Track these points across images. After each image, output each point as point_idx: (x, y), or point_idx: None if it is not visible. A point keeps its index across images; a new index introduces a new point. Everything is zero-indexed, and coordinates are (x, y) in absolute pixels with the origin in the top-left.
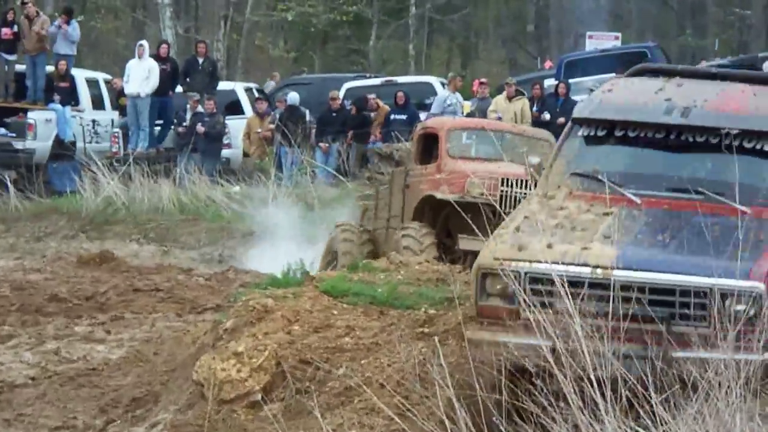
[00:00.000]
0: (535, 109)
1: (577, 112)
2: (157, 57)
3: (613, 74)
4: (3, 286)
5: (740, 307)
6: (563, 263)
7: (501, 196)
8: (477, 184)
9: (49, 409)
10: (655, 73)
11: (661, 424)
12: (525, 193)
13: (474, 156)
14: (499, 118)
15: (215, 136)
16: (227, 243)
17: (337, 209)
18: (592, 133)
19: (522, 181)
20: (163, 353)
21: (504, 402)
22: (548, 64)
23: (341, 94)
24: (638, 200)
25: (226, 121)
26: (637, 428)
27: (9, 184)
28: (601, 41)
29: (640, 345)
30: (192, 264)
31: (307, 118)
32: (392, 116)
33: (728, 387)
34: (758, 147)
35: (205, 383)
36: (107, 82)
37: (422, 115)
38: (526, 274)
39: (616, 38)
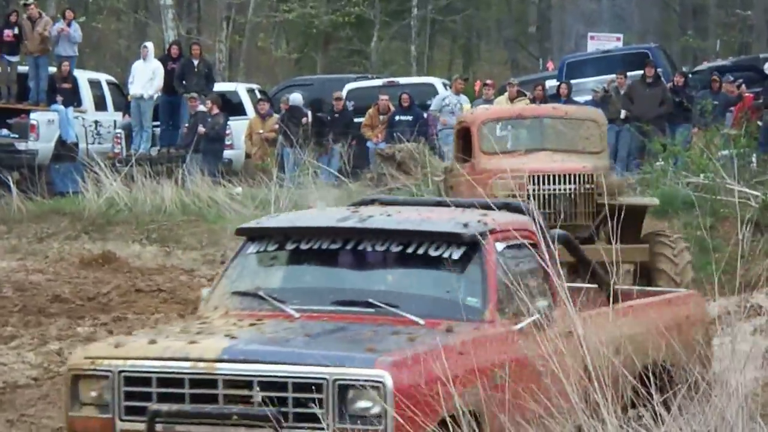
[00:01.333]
0: None
1: (245, 224)
2: (168, 57)
3: (614, 75)
4: (5, 286)
5: (364, 404)
6: (163, 359)
7: (529, 195)
8: (502, 184)
9: (51, 410)
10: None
11: (663, 424)
12: (556, 190)
13: (510, 148)
14: None
15: (215, 137)
16: (229, 244)
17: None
18: (262, 249)
19: (552, 176)
20: None
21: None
22: (550, 65)
23: (344, 95)
24: (297, 315)
25: (228, 122)
26: (638, 428)
27: (11, 185)
28: (603, 42)
29: None
30: (194, 265)
31: (309, 119)
32: (397, 117)
33: (730, 387)
34: (444, 255)
35: None
36: (109, 83)
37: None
38: (120, 373)
39: (618, 39)
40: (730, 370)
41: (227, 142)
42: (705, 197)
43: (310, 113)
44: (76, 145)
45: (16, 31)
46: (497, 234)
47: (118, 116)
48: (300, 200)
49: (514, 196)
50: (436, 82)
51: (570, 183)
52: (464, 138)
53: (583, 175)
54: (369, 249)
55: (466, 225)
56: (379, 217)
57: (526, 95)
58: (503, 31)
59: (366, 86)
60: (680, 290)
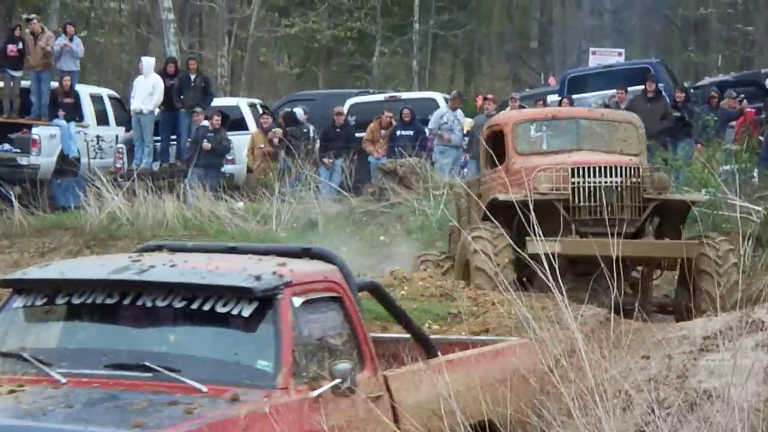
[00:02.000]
0: None
1: (11, 274)
2: (164, 73)
3: (615, 90)
4: None
5: None
6: None
7: (573, 188)
8: (545, 178)
9: None
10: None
11: None
12: (600, 182)
13: (546, 150)
14: None
15: (220, 153)
16: None
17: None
18: (29, 303)
19: (596, 168)
20: None
21: (508, 416)
22: (552, 80)
23: (345, 109)
24: (64, 380)
25: (230, 137)
26: None
27: (13, 199)
28: (605, 57)
29: None
30: None
31: (311, 134)
32: (398, 132)
33: (732, 402)
34: (233, 312)
35: None
36: (111, 98)
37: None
38: None
39: (620, 54)
40: (731, 385)
41: (229, 157)
42: (706, 212)
43: (312, 128)
44: (78, 159)
45: (20, 45)
46: (295, 287)
47: (120, 131)
48: (302, 215)
49: (557, 189)
50: (438, 96)
51: (616, 176)
52: (494, 142)
53: (630, 168)
54: (149, 304)
55: (258, 278)
56: (161, 268)
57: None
58: (505, 45)
59: (368, 101)
60: (511, 339)
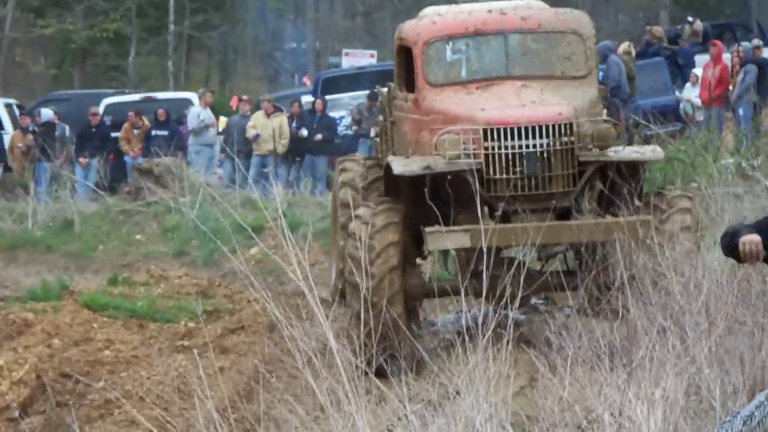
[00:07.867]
0: (294, 125)
1: None
2: None
3: (368, 91)
4: None
5: None
6: None
7: (486, 155)
8: (450, 143)
9: None
10: None
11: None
12: (522, 147)
13: (466, 78)
14: (258, 135)
15: None
16: None
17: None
18: None
19: (514, 130)
20: None
21: (262, 413)
22: (306, 80)
23: (101, 110)
24: None
25: None
26: None
27: None
28: (357, 59)
29: None
30: None
31: (66, 133)
32: (154, 132)
33: (479, 394)
34: None
35: None
36: None
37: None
38: None
39: (372, 56)
40: (482, 380)
41: None
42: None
43: (67, 128)
44: None
45: None
46: None
47: None
48: (58, 214)
49: (468, 155)
50: (193, 96)
51: (541, 137)
52: (406, 59)
53: (560, 126)
54: None
55: None
56: None
57: (282, 110)
58: (259, 47)
59: (123, 101)
60: None
